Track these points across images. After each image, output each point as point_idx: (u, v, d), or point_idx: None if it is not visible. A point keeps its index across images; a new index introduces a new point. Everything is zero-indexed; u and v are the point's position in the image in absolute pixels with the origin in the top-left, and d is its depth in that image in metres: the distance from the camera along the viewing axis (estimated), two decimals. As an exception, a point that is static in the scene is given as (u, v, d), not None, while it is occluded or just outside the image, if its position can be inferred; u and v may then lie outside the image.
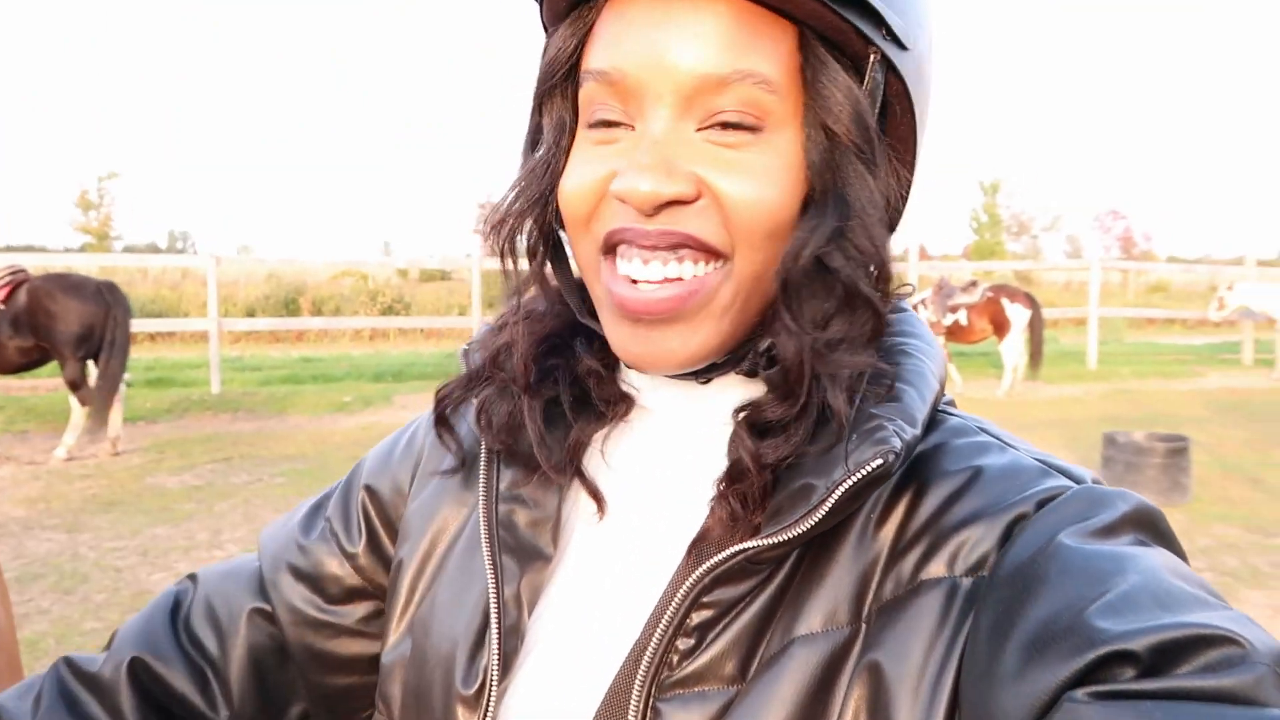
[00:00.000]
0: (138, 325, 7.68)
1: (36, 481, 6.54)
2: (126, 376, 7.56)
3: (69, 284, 7.33)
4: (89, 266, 12.26)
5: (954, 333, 11.19)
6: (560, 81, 0.61)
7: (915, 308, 10.38)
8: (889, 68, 0.57)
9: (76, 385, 7.18)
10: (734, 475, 0.57)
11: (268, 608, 0.77)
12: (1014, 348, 10.98)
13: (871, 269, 0.57)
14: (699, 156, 0.55)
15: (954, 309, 11.11)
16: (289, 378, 11.64)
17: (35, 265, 8.94)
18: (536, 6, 0.63)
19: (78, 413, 7.24)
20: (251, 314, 17.72)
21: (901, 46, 0.56)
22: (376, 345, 16.54)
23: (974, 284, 11.33)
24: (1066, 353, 14.55)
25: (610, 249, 0.58)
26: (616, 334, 0.59)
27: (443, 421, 0.71)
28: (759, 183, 0.55)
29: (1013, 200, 46.29)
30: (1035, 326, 10.92)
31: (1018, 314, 10.90)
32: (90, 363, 7.29)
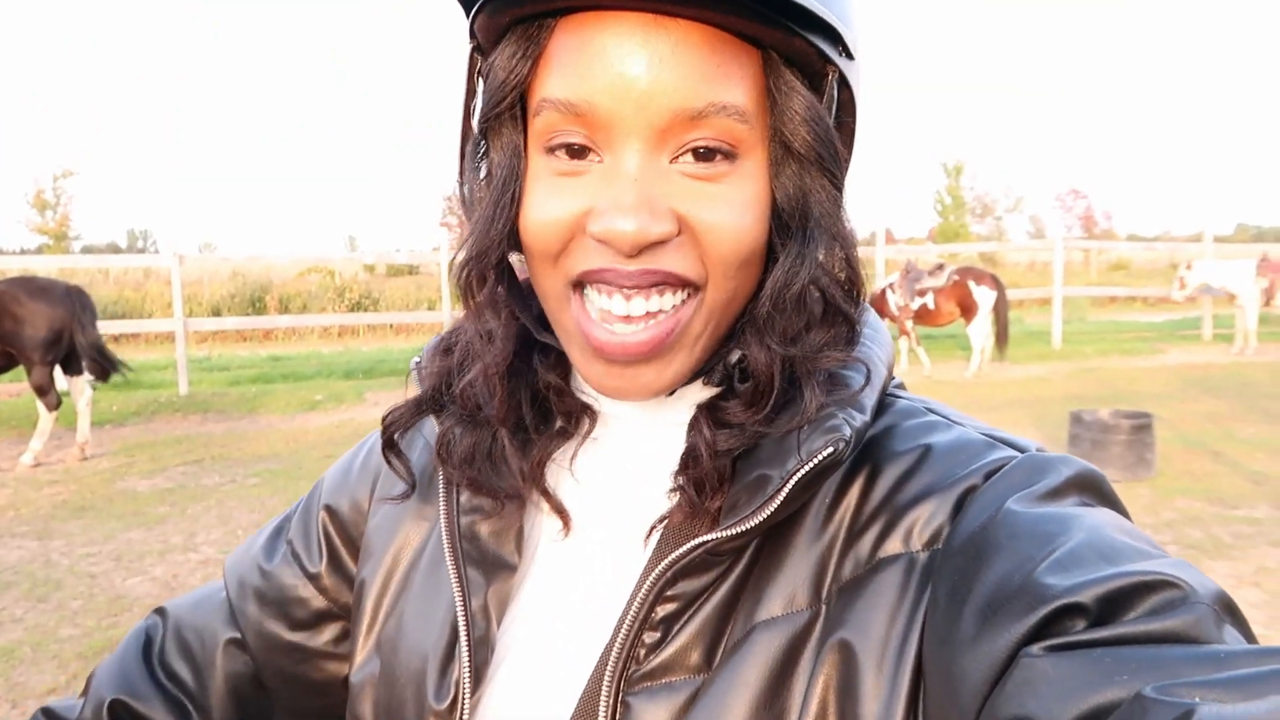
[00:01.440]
0: (102, 327, 7.54)
1: (4, 489, 6.44)
2: (92, 379, 7.44)
3: (36, 287, 7.19)
4: (47, 268, 12.03)
5: (922, 316, 11.32)
6: (509, 107, 0.57)
7: (883, 292, 10.45)
8: (841, 79, 0.57)
9: (44, 390, 7.06)
10: (689, 461, 0.59)
11: (240, 636, 0.77)
12: (981, 329, 11.12)
13: (850, 287, 0.59)
14: (676, 191, 0.54)
15: (921, 293, 11.23)
16: (258, 377, 11.53)
17: (-7, 269, 8.77)
18: (464, 17, 0.59)
19: (45, 418, 7.13)
20: (217, 313, 17.48)
21: (851, 57, 0.57)
22: (346, 342, 16.40)
23: (940, 267, 11.45)
24: (1032, 333, 14.76)
25: (579, 285, 0.57)
26: (590, 369, 0.58)
27: (391, 447, 0.69)
28: (736, 213, 0.55)
29: (976, 182, 46.73)
30: (1000, 308, 11.07)
31: (984, 296, 11.04)
32: (58, 368, 7.18)
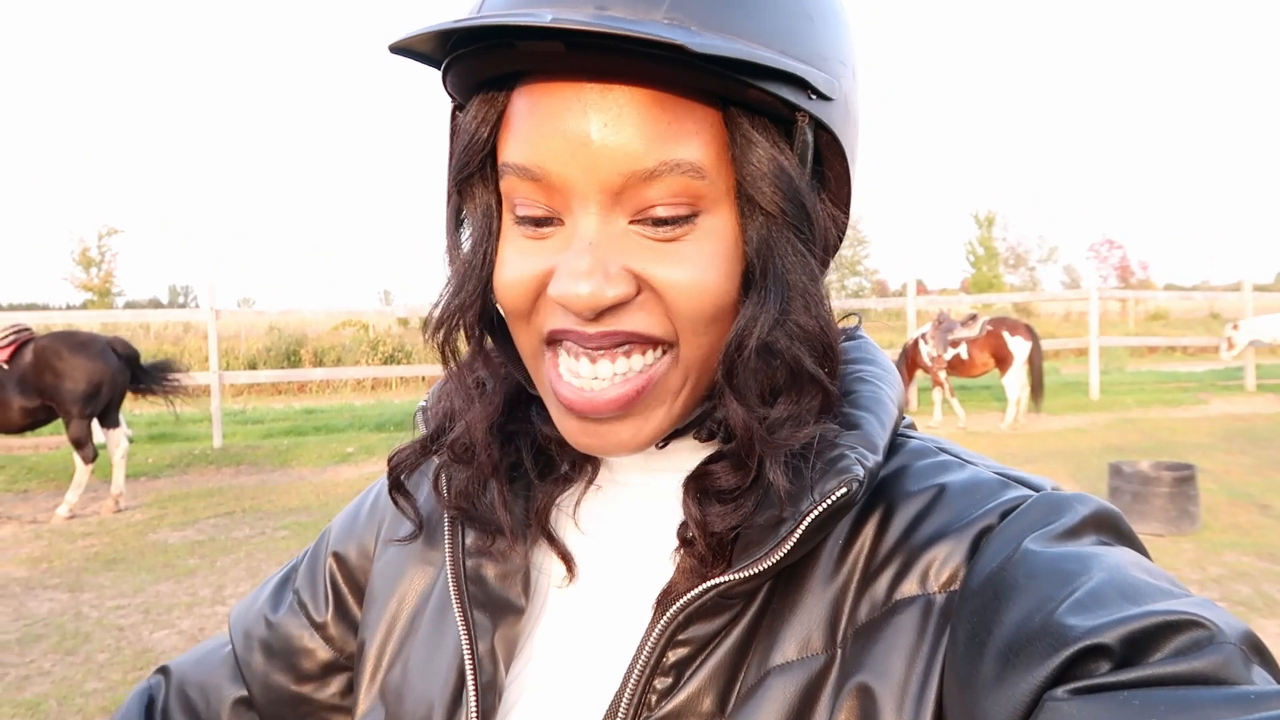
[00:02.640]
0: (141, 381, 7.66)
1: (39, 541, 6.51)
2: (129, 432, 7.55)
3: (76, 342, 7.34)
4: (91, 323, 12.28)
5: (955, 366, 11.19)
6: (478, 168, 0.58)
7: (916, 342, 10.40)
8: (817, 124, 0.55)
9: (81, 444, 7.16)
10: (685, 540, 0.58)
11: (247, 694, 0.76)
12: (1016, 380, 10.98)
13: (817, 348, 0.56)
14: (634, 251, 0.53)
15: (954, 343, 11.13)
16: (291, 429, 11.63)
17: (38, 323, 8.98)
18: (439, 74, 0.59)
19: (81, 471, 7.22)
20: (253, 366, 17.74)
21: (826, 99, 0.54)
22: (379, 395, 16.55)
23: (974, 317, 11.35)
24: (1069, 383, 14.54)
25: (553, 342, 0.57)
26: (564, 425, 0.58)
27: (398, 488, 0.69)
28: (697, 270, 0.53)
29: (1008, 233, 46.49)
30: (1035, 359, 10.93)
31: (1019, 346, 10.91)
32: (95, 422, 7.29)
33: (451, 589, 0.65)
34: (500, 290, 0.57)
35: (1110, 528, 0.53)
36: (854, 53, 0.59)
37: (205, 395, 10.67)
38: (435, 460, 0.69)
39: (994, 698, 0.45)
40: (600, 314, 0.53)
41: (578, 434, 0.57)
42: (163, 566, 5.79)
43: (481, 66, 0.54)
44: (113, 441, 7.47)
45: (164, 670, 0.81)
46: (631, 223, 0.53)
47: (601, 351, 0.54)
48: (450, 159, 0.61)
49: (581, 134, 0.51)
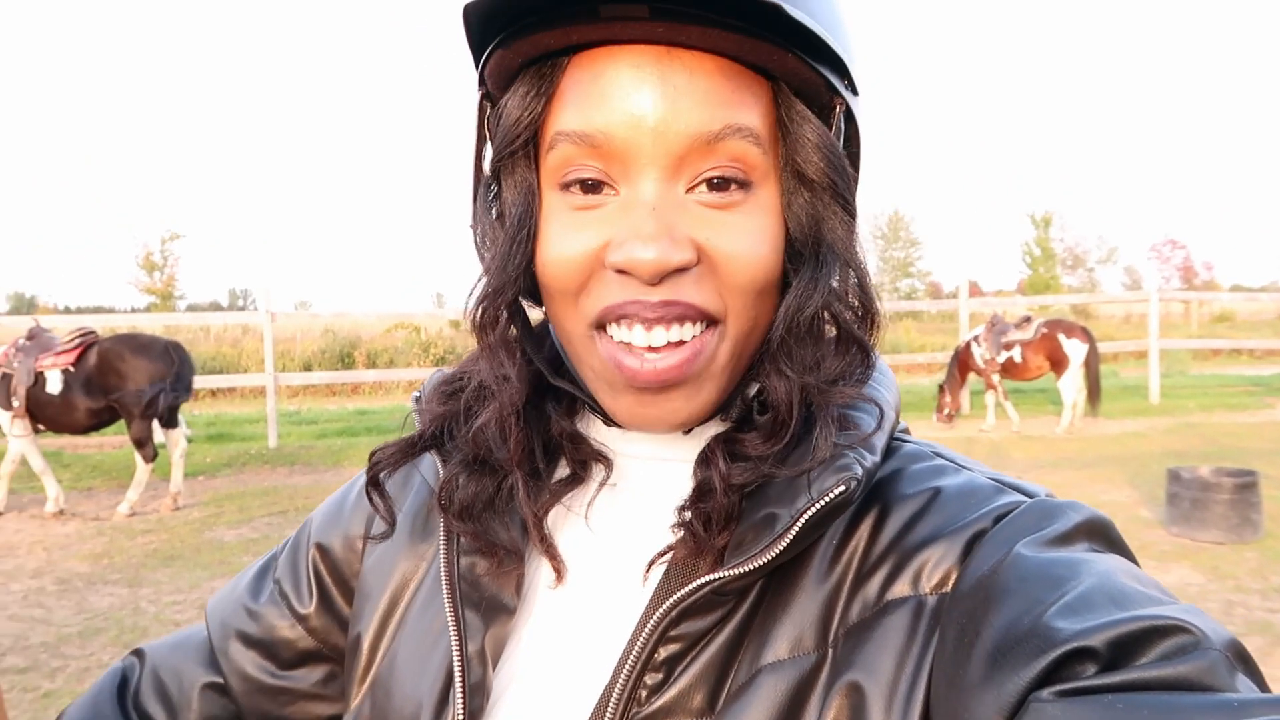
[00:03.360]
0: (200, 382, 7.85)
1: (100, 537, 6.70)
2: (188, 432, 7.73)
3: (138, 344, 7.55)
4: (154, 325, 12.64)
5: (1009, 369, 10.98)
6: (523, 145, 0.58)
7: (968, 345, 10.23)
8: (847, 114, 0.59)
9: (142, 443, 7.37)
10: (699, 495, 0.58)
11: (220, 680, 0.76)
12: (1072, 384, 10.73)
13: (864, 314, 0.59)
14: (694, 220, 0.55)
15: (1008, 345, 10.92)
16: (344, 430, 11.82)
17: (103, 325, 9.25)
18: (474, 65, 0.60)
19: (142, 469, 7.43)
20: (309, 368, 18.09)
21: (855, 93, 0.58)
22: (429, 396, 16.71)
23: (1028, 320, 11.13)
24: (1128, 387, 14.18)
25: (601, 325, 0.57)
26: (620, 402, 0.58)
27: (375, 484, 0.68)
28: (753, 242, 0.55)
29: (1066, 233, 45.56)
30: (1091, 362, 10.67)
31: (1075, 349, 10.66)
32: (156, 421, 7.50)
33: (444, 587, 0.65)
34: (549, 268, 0.57)
35: (1102, 535, 0.54)
36: (863, 60, 0.62)
37: (261, 396, 10.89)
38: (429, 457, 0.69)
39: (980, 698, 0.45)
40: (661, 280, 0.54)
41: (634, 407, 0.58)
42: (218, 563, 5.92)
43: (548, 38, 0.54)
44: (172, 441, 7.66)
45: (138, 653, 0.81)
46: (689, 190, 0.55)
47: (659, 321, 0.55)
48: (479, 146, 0.62)
49: (648, 102, 0.53)
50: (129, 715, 0.77)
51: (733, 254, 0.55)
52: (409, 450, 0.68)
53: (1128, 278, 49.30)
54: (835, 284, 0.57)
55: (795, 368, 0.57)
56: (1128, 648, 0.43)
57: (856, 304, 0.59)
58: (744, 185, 0.55)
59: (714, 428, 0.63)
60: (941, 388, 11.24)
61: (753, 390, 0.61)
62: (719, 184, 0.55)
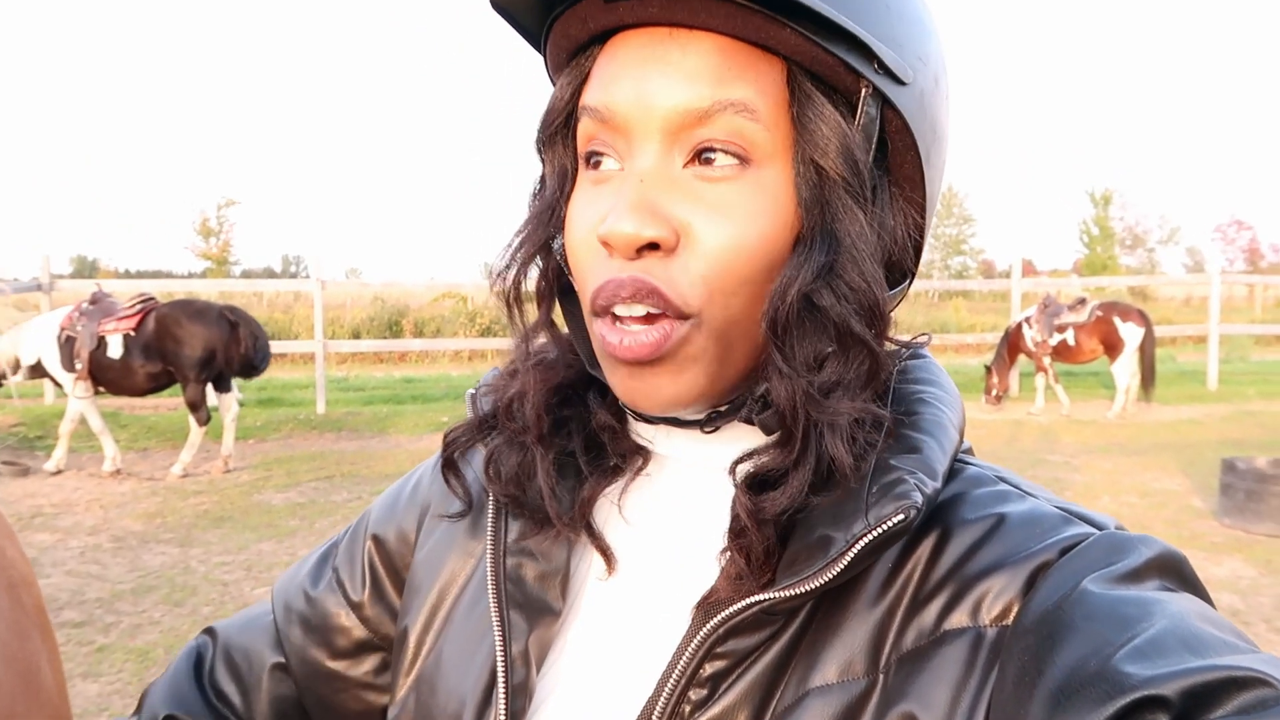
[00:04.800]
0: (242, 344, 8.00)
1: (154, 497, 6.90)
2: (239, 396, 7.91)
3: (193, 310, 7.72)
4: (209, 291, 12.88)
5: (1061, 352, 10.76)
6: (559, 127, 0.61)
7: (1019, 326, 10.05)
8: (885, 102, 0.56)
9: (196, 406, 7.56)
10: (736, 532, 0.56)
11: (284, 661, 0.78)
12: (1126, 368, 10.49)
13: (865, 307, 0.55)
14: (684, 196, 0.54)
15: (1061, 328, 10.69)
16: (390, 398, 12.00)
17: (161, 290, 9.46)
18: (543, 62, 0.64)
19: (195, 432, 7.62)
20: (357, 336, 18.35)
21: (898, 81, 0.55)
22: (475, 366, 16.89)
23: (1082, 302, 10.87)
24: (1185, 372, 13.82)
25: (599, 314, 0.57)
26: (614, 378, 0.59)
27: (450, 465, 0.70)
28: (741, 224, 0.54)
29: (1126, 212, 44.35)
30: (1147, 346, 10.41)
31: (1131, 333, 10.41)
32: (209, 386, 7.67)
33: (490, 588, 0.65)
34: (569, 245, 0.59)
35: (1174, 573, 0.51)
36: (937, 59, 0.59)
37: (310, 362, 11.08)
38: (482, 449, 0.70)
39: None
40: (637, 254, 0.54)
41: (624, 381, 0.57)
42: (266, 526, 6.07)
43: (572, 26, 0.58)
44: (224, 405, 7.85)
45: (210, 631, 0.83)
46: (686, 165, 0.55)
47: (632, 299, 0.55)
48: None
49: (647, 75, 0.55)
50: (205, 692, 0.79)
51: (714, 237, 0.54)
52: (479, 430, 0.69)
53: (1190, 259, 47.98)
54: (835, 272, 0.54)
55: (790, 363, 0.54)
56: (1203, 699, 0.41)
57: (856, 297, 0.55)
58: (741, 160, 0.54)
59: (739, 431, 0.61)
60: (989, 368, 11.06)
61: (759, 390, 0.59)
62: (709, 156, 0.55)
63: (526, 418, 0.64)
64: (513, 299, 0.63)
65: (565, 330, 0.66)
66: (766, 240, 0.55)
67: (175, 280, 18.37)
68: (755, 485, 0.56)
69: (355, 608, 0.76)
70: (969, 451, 0.65)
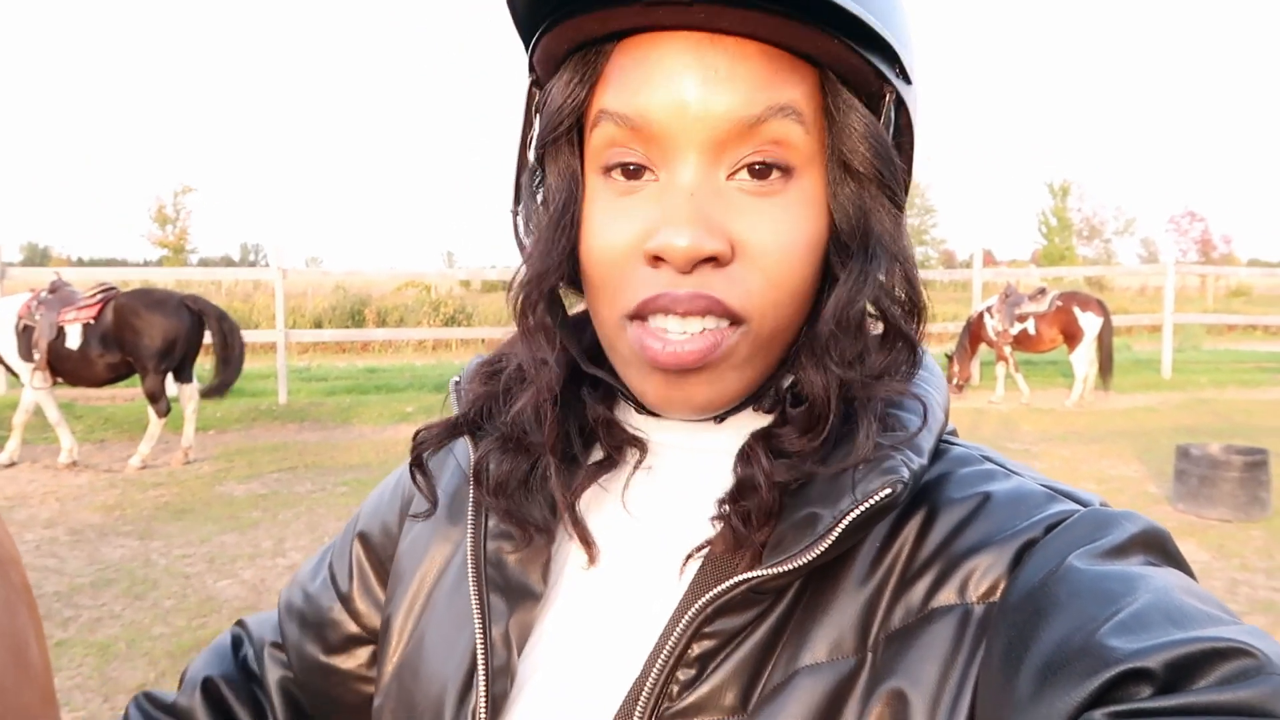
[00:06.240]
0: (210, 338, 7.87)
1: (113, 489, 6.77)
2: (200, 387, 7.78)
3: (153, 300, 7.56)
4: (166, 279, 12.66)
5: (1021, 341, 10.93)
6: (566, 131, 0.58)
7: (981, 316, 10.17)
8: (898, 103, 0.57)
9: (155, 397, 7.41)
10: (741, 491, 0.57)
11: (284, 655, 0.81)
12: (1085, 357, 10.67)
13: (912, 307, 0.59)
14: (732, 210, 0.54)
15: (1022, 318, 10.85)
16: (354, 388, 11.87)
17: (116, 278, 9.26)
18: (524, 51, 0.60)
19: (155, 424, 7.47)
20: (319, 325, 18.14)
21: (908, 81, 0.57)
22: (439, 355, 16.79)
23: (1042, 291, 11.04)
24: (1140, 361, 14.10)
25: (636, 317, 0.56)
26: (647, 384, 0.58)
27: (418, 465, 0.69)
28: (791, 237, 0.55)
29: (1083, 203, 45.04)
30: (1105, 336, 10.60)
31: (1090, 322, 10.59)
32: (170, 376, 7.53)
33: (470, 571, 0.65)
34: (594, 254, 0.57)
35: (1158, 548, 0.52)
36: (919, 46, 0.61)
37: (271, 352, 10.94)
38: (463, 442, 0.70)
39: (1029, 715, 0.44)
40: (694, 269, 0.53)
41: (660, 388, 0.57)
42: (228, 518, 5.98)
43: (590, 23, 0.55)
44: (185, 396, 7.71)
45: (241, 624, 0.87)
46: (730, 177, 0.55)
47: (690, 315, 0.55)
48: (525, 132, 0.62)
49: (689, 87, 0.53)
50: (248, 667, 0.84)
51: (768, 250, 0.54)
52: (451, 431, 0.68)
53: (1145, 250, 48.86)
54: (883, 278, 0.57)
55: (837, 362, 0.56)
56: (1186, 670, 0.41)
57: (904, 298, 0.58)
58: (786, 171, 0.54)
59: (748, 419, 0.62)
60: (950, 357, 11.20)
61: (787, 382, 0.60)
62: (760, 170, 0.54)
63: (538, 431, 0.63)
64: (530, 313, 0.60)
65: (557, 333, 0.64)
66: (812, 248, 0.56)
67: (131, 269, 17.97)
68: (772, 455, 0.58)
69: (345, 602, 0.77)
70: (954, 433, 0.66)
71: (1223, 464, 5.91)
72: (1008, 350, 10.94)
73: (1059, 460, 7.62)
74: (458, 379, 0.71)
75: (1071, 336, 10.71)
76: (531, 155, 0.61)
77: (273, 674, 0.81)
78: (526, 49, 0.60)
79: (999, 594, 0.53)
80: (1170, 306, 13.48)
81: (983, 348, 11.34)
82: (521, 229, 0.62)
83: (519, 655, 0.62)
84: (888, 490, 0.53)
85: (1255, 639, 0.42)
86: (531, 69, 0.61)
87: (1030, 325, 10.81)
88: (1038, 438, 8.64)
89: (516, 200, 0.63)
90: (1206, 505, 5.88)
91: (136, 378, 7.58)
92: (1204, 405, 10.54)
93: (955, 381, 11.07)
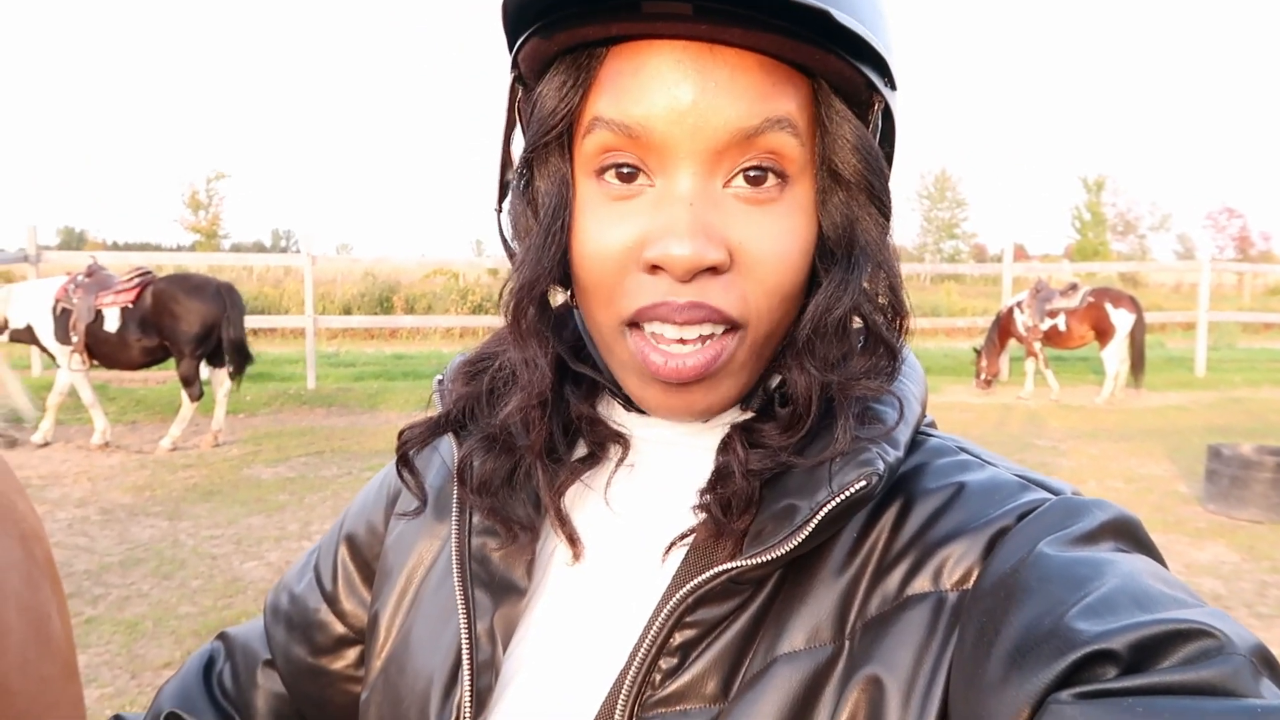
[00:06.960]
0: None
1: (143, 470, 6.88)
2: (230, 371, 7.88)
3: (191, 285, 7.68)
4: (199, 265, 12.83)
5: (1051, 337, 10.81)
6: (557, 136, 0.57)
7: (1011, 310, 10.06)
8: (885, 111, 0.58)
9: (190, 381, 7.53)
10: (719, 479, 0.58)
11: (272, 659, 0.81)
12: (1116, 354, 10.54)
13: (893, 313, 0.59)
14: (729, 218, 0.54)
15: (1052, 313, 10.73)
16: (381, 374, 11.98)
17: (149, 263, 9.40)
18: (508, 49, 0.59)
19: (187, 406, 7.60)
20: (348, 311, 18.31)
21: (894, 88, 0.58)
22: (465, 343, 16.87)
23: (1074, 287, 10.91)
24: (1173, 359, 13.91)
25: (634, 324, 0.57)
26: (647, 392, 0.59)
27: (405, 462, 0.70)
28: (786, 244, 0.55)
29: (1118, 198, 44.40)
30: (1137, 333, 10.45)
31: (1122, 319, 10.45)
32: (204, 360, 7.64)
33: (455, 566, 0.65)
34: (588, 261, 0.56)
35: (1128, 535, 0.53)
36: (900, 51, 0.61)
37: (301, 338, 11.05)
38: (447, 440, 0.70)
39: (999, 698, 0.45)
40: (693, 278, 0.54)
41: (660, 397, 0.58)
42: (255, 500, 6.07)
43: (584, 31, 0.54)
44: (217, 380, 7.83)
45: (223, 637, 0.87)
46: (726, 185, 0.55)
47: (687, 324, 0.55)
48: (508, 130, 0.62)
49: (687, 96, 0.53)
50: (213, 691, 0.83)
51: (765, 258, 0.55)
52: (434, 429, 0.69)
53: (1180, 246, 48.13)
54: (866, 285, 0.58)
55: (819, 365, 0.57)
56: (1149, 651, 0.43)
57: (886, 305, 0.59)
58: (781, 178, 0.55)
59: (733, 416, 0.63)
60: (978, 352, 11.10)
61: (774, 382, 0.61)
62: (756, 176, 0.55)
63: (526, 436, 0.63)
64: (523, 317, 0.60)
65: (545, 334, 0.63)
66: (804, 255, 0.57)
67: (164, 254, 18.23)
68: (750, 447, 0.59)
69: (331, 602, 0.77)
70: (932, 424, 0.67)
71: (1255, 465, 5.81)
72: (1038, 346, 10.82)
73: (1087, 458, 7.54)
74: (441, 377, 0.71)
75: (1103, 333, 10.57)
76: (517, 156, 0.60)
77: (264, 690, 0.81)
78: (511, 47, 0.59)
79: (972, 581, 0.54)
80: (1205, 303, 13.27)
81: (1012, 343, 11.22)
82: (508, 230, 0.61)
83: (504, 650, 0.62)
84: (863, 483, 0.54)
85: (1217, 620, 0.43)
86: (515, 66, 0.59)
87: (1061, 321, 10.68)
88: (1066, 434, 8.55)
89: (501, 197, 0.62)
90: (1237, 506, 5.79)
91: (170, 361, 7.70)
92: (1237, 405, 10.37)
93: (983, 376, 10.98)
